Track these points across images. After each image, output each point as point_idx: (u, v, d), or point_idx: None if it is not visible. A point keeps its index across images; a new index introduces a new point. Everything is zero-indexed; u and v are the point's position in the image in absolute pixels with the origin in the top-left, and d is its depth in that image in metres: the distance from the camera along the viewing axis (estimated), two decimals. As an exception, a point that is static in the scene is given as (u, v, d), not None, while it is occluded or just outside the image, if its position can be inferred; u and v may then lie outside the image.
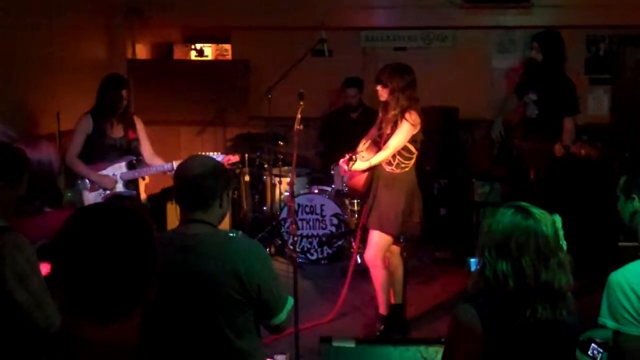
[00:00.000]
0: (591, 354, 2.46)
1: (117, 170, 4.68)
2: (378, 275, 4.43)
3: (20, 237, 2.32)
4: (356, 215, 5.98)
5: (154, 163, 4.83)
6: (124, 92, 4.63)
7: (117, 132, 4.68)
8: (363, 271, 5.04)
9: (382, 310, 4.48)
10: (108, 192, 4.62)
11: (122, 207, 1.54)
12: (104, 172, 4.64)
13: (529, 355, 2.14)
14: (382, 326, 4.48)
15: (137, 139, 4.78)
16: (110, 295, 1.46)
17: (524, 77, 5.27)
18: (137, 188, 4.85)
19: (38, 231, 2.57)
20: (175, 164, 4.67)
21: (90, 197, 4.62)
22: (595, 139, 4.90)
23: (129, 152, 4.73)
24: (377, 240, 4.39)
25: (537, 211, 2.16)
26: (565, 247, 2.18)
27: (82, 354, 1.45)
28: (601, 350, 2.47)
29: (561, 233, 2.17)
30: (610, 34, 6.74)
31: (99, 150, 4.62)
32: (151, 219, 1.55)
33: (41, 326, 2.27)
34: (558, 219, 2.19)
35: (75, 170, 4.55)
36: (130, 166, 4.74)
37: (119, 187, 4.67)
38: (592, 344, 2.46)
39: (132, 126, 4.77)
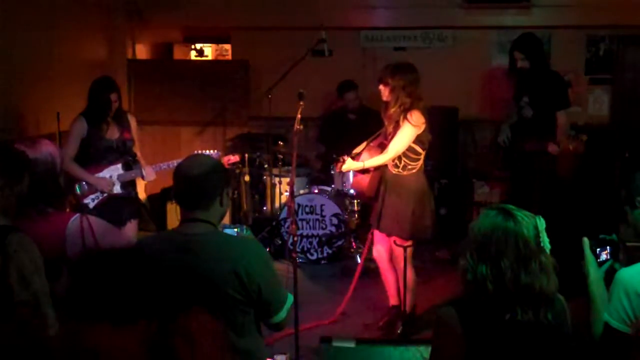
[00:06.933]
0: (598, 254, 2.47)
1: (114, 172, 4.63)
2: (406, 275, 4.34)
3: (26, 237, 2.32)
4: (356, 215, 5.98)
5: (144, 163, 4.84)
6: (113, 96, 4.56)
7: (112, 133, 4.63)
8: (363, 272, 5.04)
9: (406, 307, 4.41)
10: (105, 194, 4.58)
11: None
12: (101, 174, 4.59)
13: (511, 358, 2.13)
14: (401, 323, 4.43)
15: (132, 139, 4.74)
16: None
17: (516, 84, 5.30)
18: (134, 188, 4.83)
19: (43, 232, 2.57)
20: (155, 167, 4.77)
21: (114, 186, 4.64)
22: (595, 138, 4.92)
23: (125, 152, 4.69)
24: (391, 243, 4.37)
25: (519, 213, 2.14)
26: (548, 250, 2.16)
27: None
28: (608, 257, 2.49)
29: (543, 235, 2.15)
30: (610, 34, 6.74)
31: (94, 153, 4.57)
32: None
33: (38, 327, 2.26)
34: (541, 222, 2.17)
35: (71, 174, 4.47)
36: (127, 167, 4.70)
37: (116, 189, 4.63)
38: (607, 248, 2.47)
39: (127, 126, 4.72)
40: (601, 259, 2.49)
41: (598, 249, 2.49)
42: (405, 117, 4.16)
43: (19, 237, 2.30)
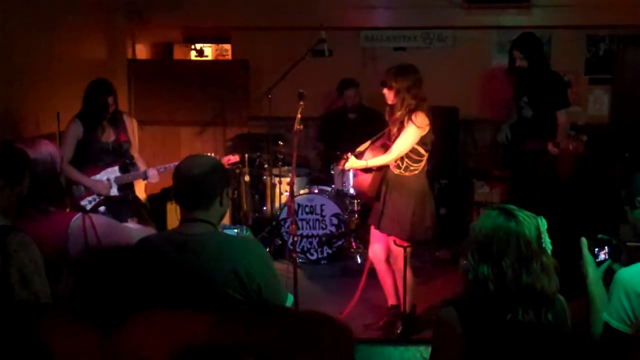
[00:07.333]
0: (597, 254, 2.47)
1: (111, 174, 4.63)
2: (404, 275, 4.32)
3: (26, 237, 2.32)
4: (356, 215, 5.98)
5: (140, 166, 4.82)
6: (110, 99, 4.56)
7: (108, 135, 4.64)
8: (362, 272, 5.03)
9: (406, 308, 4.38)
10: (102, 197, 4.58)
11: None
12: (97, 177, 4.59)
13: (511, 358, 2.13)
14: (401, 324, 4.41)
15: (128, 141, 4.74)
16: None
17: (516, 84, 5.31)
18: (131, 190, 4.83)
19: (46, 231, 2.57)
20: (149, 172, 4.73)
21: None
22: (595, 138, 4.92)
23: (121, 155, 4.69)
24: (391, 243, 4.36)
25: (521, 214, 2.15)
26: (550, 250, 2.17)
27: None
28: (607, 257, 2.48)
29: (545, 236, 2.15)
30: (610, 34, 6.75)
31: (90, 155, 4.57)
32: None
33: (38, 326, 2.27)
34: (542, 222, 2.17)
35: (68, 177, 4.47)
36: (124, 169, 4.70)
37: (113, 192, 4.63)
38: (606, 248, 2.46)
39: (123, 127, 4.72)
40: (599, 259, 2.50)
41: (596, 249, 2.50)
42: (409, 119, 4.14)
43: (20, 237, 2.31)
